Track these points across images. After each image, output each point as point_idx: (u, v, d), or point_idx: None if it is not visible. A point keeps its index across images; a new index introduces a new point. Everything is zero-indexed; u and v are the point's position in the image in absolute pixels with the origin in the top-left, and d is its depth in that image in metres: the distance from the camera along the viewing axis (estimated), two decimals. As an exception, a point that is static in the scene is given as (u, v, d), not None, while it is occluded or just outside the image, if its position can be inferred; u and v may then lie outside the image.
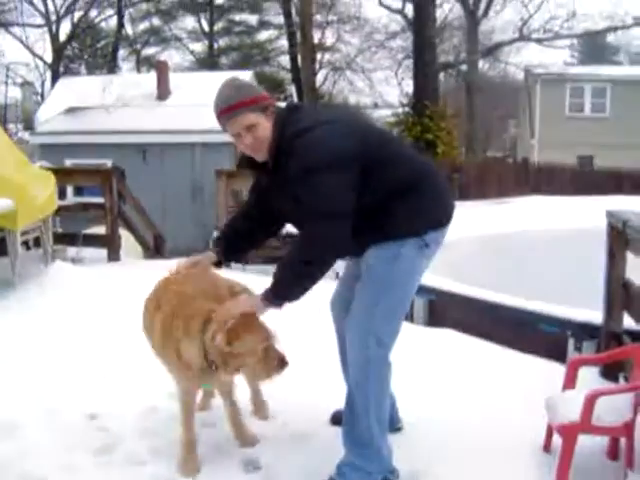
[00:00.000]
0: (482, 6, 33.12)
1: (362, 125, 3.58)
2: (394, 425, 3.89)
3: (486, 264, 7.29)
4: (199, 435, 3.78)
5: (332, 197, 3.18)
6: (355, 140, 3.32)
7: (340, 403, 3.86)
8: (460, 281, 6.02)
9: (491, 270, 6.87)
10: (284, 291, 3.31)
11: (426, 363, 4.89)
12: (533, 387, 4.44)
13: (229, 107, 3.31)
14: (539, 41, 32.72)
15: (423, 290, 5.59)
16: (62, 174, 10.35)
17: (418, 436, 3.94)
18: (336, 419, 4.02)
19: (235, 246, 3.83)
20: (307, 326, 5.65)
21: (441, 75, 29.48)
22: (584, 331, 5.20)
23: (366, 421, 3.43)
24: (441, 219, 3.50)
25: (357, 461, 3.46)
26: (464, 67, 34.04)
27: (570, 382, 3.84)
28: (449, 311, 6.00)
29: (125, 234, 10.63)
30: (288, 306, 3.35)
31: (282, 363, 3.40)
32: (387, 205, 3.32)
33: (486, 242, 8.16)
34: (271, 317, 3.38)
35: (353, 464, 3.46)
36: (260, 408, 4.20)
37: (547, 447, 3.81)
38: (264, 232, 3.89)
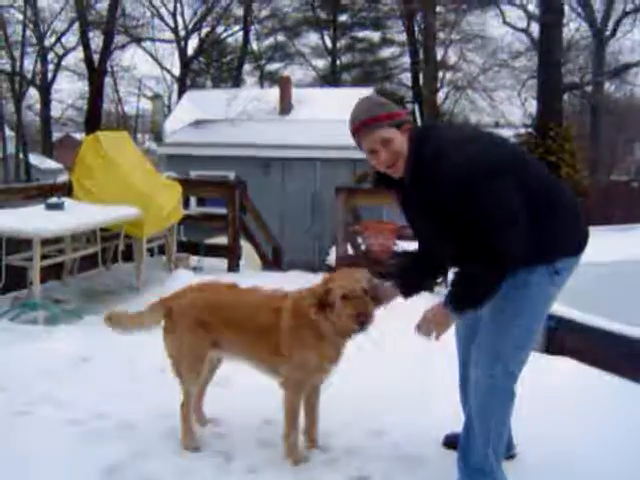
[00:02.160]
0: (610, 26, 32.18)
1: (505, 142, 3.50)
2: (509, 452, 3.83)
3: (611, 292, 7.05)
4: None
5: (501, 205, 3.09)
6: (503, 153, 3.28)
7: (452, 425, 3.85)
8: (582, 309, 5.86)
9: (615, 299, 6.65)
10: (467, 302, 3.27)
11: (542, 391, 4.78)
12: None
13: (364, 122, 3.34)
14: (668, 62, 31.54)
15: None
16: (188, 185, 10.68)
17: (531, 465, 3.88)
18: (449, 442, 3.99)
19: (411, 283, 3.78)
20: (419, 344, 5.63)
21: (565, 96, 28.84)
22: None
23: (484, 449, 3.40)
24: (574, 246, 3.39)
25: None
26: (589, 88, 33.10)
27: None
28: (569, 339, 5.85)
29: (245, 245, 10.86)
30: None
31: (361, 316, 3.50)
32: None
33: (612, 269, 7.90)
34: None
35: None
36: (312, 438, 4.11)
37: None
38: (433, 271, 3.81)
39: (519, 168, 3.25)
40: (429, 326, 3.38)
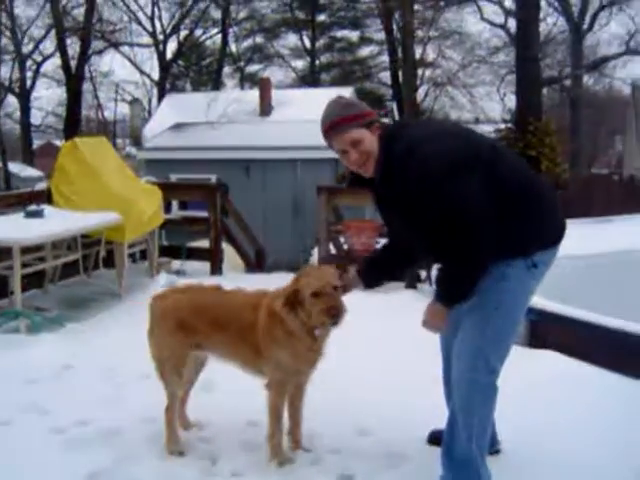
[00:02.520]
0: (587, 20, 32.39)
1: (475, 136, 3.52)
2: (493, 447, 3.85)
3: (589, 284, 7.09)
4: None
5: (464, 203, 3.08)
6: (471, 148, 3.28)
7: (436, 422, 3.86)
8: (562, 301, 5.88)
9: (594, 290, 6.68)
10: (453, 298, 3.30)
11: (526, 385, 4.80)
12: (637, 412, 4.31)
13: (332, 124, 3.37)
14: (646, 54, 31.79)
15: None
16: (168, 189, 10.64)
17: (516, 459, 3.89)
18: (433, 438, 4.00)
19: (373, 274, 3.87)
20: (402, 342, 5.65)
21: (545, 90, 28.93)
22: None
23: (468, 445, 3.41)
24: (551, 239, 3.39)
25: None
26: (568, 82, 33.27)
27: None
28: (551, 332, 5.86)
29: (227, 248, 10.84)
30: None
31: (332, 310, 3.52)
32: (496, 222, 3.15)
33: (589, 261, 7.94)
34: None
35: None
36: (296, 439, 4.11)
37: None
38: (399, 263, 3.90)
39: (491, 162, 3.25)
40: (431, 322, 3.42)
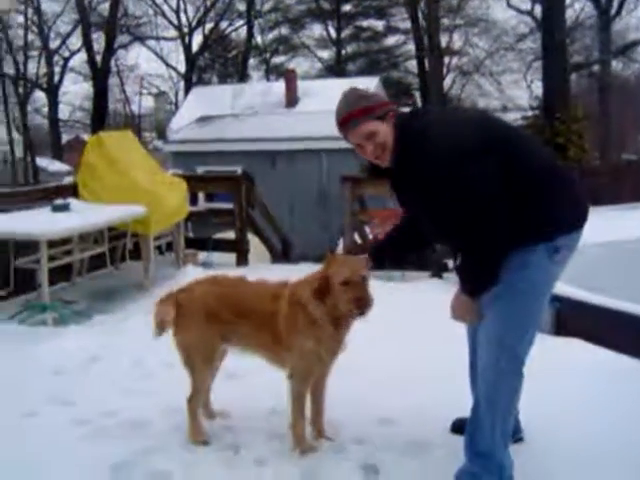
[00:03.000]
0: (615, 4, 31.94)
1: (491, 119, 3.53)
2: (516, 435, 3.81)
3: (616, 271, 7.01)
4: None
5: (479, 185, 3.06)
6: (485, 130, 3.27)
7: (460, 411, 3.84)
8: (588, 289, 5.82)
9: (621, 277, 6.61)
10: (475, 287, 3.28)
11: (551, 373, 4.75)
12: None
13: (344, 119, 3.38)
14: (675, 39, 31.35)
15: (550, 298, 5.45)
16: (194, 181, 10.69)
17: (539, 448, 3.87)
18: (457, 427, 3.99)
19: (385, 253, 3.91)
20: (427, 331, 5.63)
21: (573, 76, 28.65)
22: None
23: (490, 433, 3.39)
24: (573, 222, 3.31)
25: (478, 471, 3.43)
26: (596, 68, 32.90)
27: None
28: (577, 320, 5.81)
29: (254, 239, 10.87)
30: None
31: (361, 301, 3.53)
32: (514, 208, 3.10)
33: (616, 248, 7.85)
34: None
35: (473, 474, 3.44)
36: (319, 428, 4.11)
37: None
38: (410, 244, 3.92)
39: (509, 147, 3.22)
40: (459, 312, 3.42)
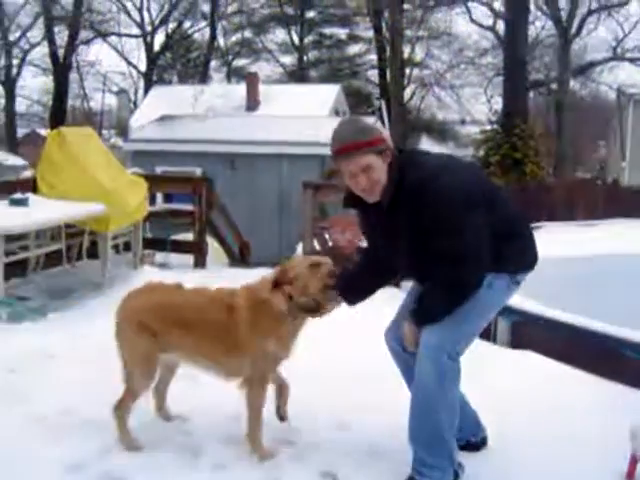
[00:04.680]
0: (575, 24, 32.52)
1: (481, 174, 3.93)
2: (479, 434, 4.02)
3: (570, 287, 7.15)
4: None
5: (473, 237, 3.32)
6: (479, 186, 3.49)
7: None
8: (543, 303, 5.93)
9: (574, 293, 6.74)
10: (430, 318, 3.48)
11: (506, 385, 4.84)
12: (616, 415, 4.33)
13: (347, 147, 3.39)
14: (633, 61, 32.02)
15: (507, 311, 5.54)
16: (154, 181, 10.62)
17: (496, 456, 3.93)
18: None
19: (357, 293, 3.94)
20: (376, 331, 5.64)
21: (531, 93, 29.09)
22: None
23: (436, 417, 3.48)
24: (531, 263, 3.67)
25: (430, 460, 3.51)
26: (555, 86, 33.44)
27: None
28: (532, 333, 5.91)
29: (212, 242, 10.83)
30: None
31: (332, 274, 3.72)
32: (492, 244, 3.40)
33: (570, 264, 8.00)
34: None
35: (429, 464, 3.51)
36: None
37: (630, 476, 3.72)
38: (378, 282, 3.98)
39: (490, 200, 3.49)
40: (411, 340, 3.61)
